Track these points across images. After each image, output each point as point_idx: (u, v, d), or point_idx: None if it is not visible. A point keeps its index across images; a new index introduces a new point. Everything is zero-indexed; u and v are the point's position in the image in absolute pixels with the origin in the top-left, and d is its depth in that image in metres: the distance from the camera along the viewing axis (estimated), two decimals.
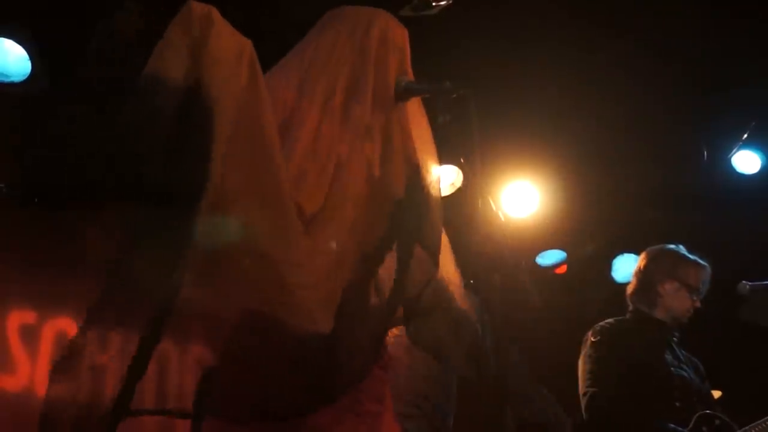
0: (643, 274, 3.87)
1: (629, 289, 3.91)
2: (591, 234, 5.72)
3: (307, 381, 1.90)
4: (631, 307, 3.88)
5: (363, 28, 2.22)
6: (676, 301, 3.78)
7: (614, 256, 5.74)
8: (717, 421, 3.51)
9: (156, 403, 1.90)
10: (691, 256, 3.84)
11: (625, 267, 5.71)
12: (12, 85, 3.98)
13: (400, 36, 2.29)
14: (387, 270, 2.09)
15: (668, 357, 3.72)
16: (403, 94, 2.20)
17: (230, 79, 1.71)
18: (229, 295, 1.78)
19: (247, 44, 1.79)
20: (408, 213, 2.14)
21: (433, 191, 2.21)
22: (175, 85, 1.66)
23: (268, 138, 1.81)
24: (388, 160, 2.16)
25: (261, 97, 1.80)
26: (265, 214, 1.79)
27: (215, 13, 1.72)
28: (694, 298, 3.78)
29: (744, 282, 3.72)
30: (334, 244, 1.95)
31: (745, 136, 5.14)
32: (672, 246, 3.90)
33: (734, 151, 5.19)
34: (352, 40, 2.21)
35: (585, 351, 3.69)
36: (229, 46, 1.73)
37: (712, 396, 3.86)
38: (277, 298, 1.82)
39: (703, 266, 3.82)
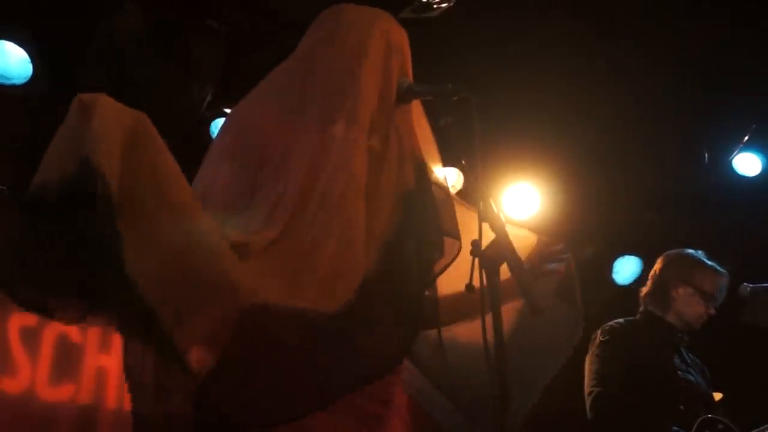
0: (658, 277, 3.87)
1: (643, 291, 3.91)
2: (591, 236, 5.71)
3: (321, 368, 1.88)
4: (642, 308, 3.87)
5: (363, 28, 2.22)
6: (689, 307, 3.76)
7: (615, 259, 5.74)
8: (720, 426, 3.50)
9: (156, 404, 1.90)
10: (709, 262, 3.80)
11: (626, 269, 5.72)
12: (13, 87, 3.99)
13: (401, 38, 2.29)
14: (407, 255, 2.10)
15: (676, 360, 3.71)
16: (405, 95, 2.21)
17: (114, 149, 1.66)
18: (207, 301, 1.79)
19: (137, 117, 1.73)
20: (418, 206, 2.15)
21: (442, 188, 2.23)
22: (58, 180, 1.65)
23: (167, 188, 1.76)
24: (394, 159, 2.16)
25: (159, 161, 1.75)
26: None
27: (102, 98, 1.68)
28: (708, 304, 3.75)
29: (745, 284, 3.71)
30: (333, 239, 1.96)
31: (746, 138, 5.14)
32: (691, 251, 3.87)
33: (735, 153, 5.19)
34: (350, 41, 2.20)
35: (592, 350, 3.68)
36: (112, 117, 1.68)
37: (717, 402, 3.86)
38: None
39: (721, 273, 3.79)
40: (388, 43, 2.22)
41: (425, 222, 2.15)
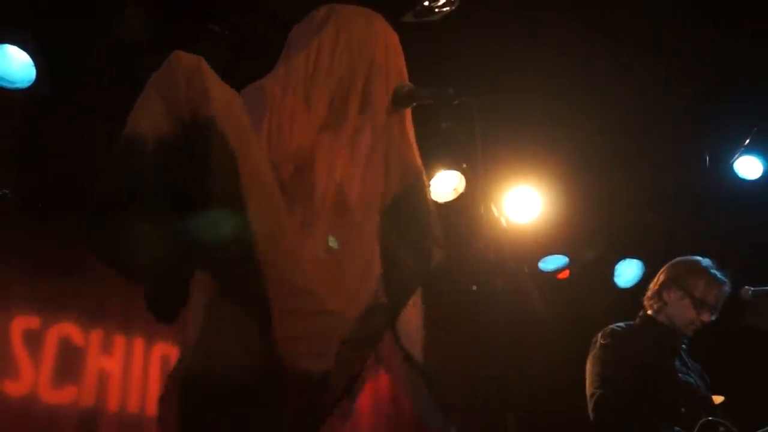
0: (657, 280, 3.89)
1: (646, 294, 3.93)
2: (593, 239, 5.72)
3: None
4: (641, 312, 3.88)
5: (362, 30, 2.22)
6: (678, 311, 3.76)
7: (616, 261, 5.74)
8: (721, 429, 3.49)
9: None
10: (711, 270, 3.78)
11: (627, 272, 5.72)
12: (16, 90, 4.00)
13: (395, 39, 2.29)
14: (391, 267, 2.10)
15: (676, 363, 3.71)
16: (405, 100, 2.20)
17: (231, 117, 1.76)
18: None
19: (235, 93, 1.84)
20: (403, 213, 2.14)
21: (430, 193, 2.24)
22: (156, 139, 1.71)
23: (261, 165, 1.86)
24: (389, 163, 2.16)
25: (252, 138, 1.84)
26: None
27: (204, 64, 1.74)
28: (700, 311, 3.74)
29: (746, 287, 3.70)
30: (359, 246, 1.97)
31: (747, 141, 5.14)
32: (696, 257, 3.86)
33: (736, 156, 5.19)
34: (354, 43, 2.20)
35: (593, 353, 3.69)
36: (224, 93, 1.77)
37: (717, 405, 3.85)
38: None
39: (719, 282, 3.76)
40: (386, 44, 2.22)
41: (418, 230, 2.14)
